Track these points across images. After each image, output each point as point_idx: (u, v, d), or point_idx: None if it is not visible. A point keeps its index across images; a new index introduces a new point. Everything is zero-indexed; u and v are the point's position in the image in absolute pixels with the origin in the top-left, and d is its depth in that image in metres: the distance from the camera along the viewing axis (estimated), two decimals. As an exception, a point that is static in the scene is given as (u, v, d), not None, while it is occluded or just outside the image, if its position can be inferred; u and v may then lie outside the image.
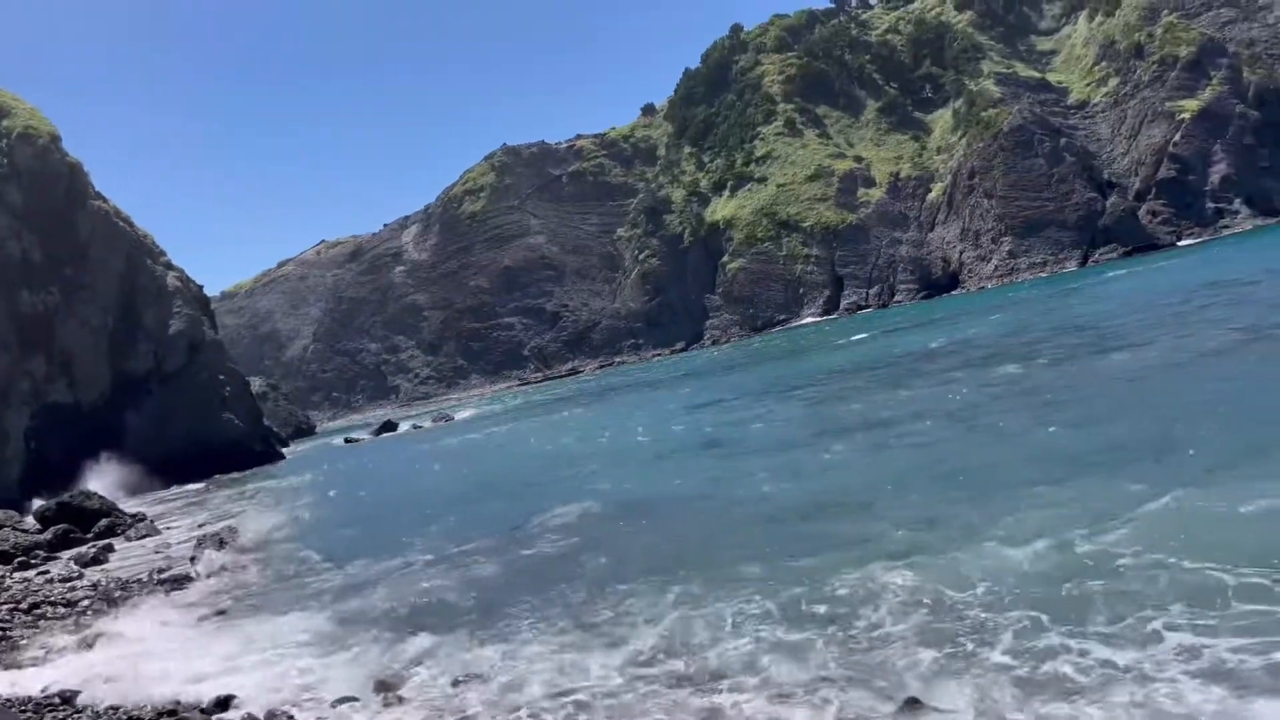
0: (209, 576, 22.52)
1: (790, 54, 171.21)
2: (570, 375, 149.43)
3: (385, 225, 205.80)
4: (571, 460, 35.78)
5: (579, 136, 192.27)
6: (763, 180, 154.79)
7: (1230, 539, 11.77)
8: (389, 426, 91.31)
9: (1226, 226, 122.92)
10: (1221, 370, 23.72)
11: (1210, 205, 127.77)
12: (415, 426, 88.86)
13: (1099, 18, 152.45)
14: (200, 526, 33.77)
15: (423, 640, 14.30)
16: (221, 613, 18.53)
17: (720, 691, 10.77)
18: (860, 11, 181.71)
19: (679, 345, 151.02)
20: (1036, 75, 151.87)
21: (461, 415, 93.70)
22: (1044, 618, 10.82)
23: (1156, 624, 10.13)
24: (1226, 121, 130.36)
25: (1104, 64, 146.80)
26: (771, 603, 13.13)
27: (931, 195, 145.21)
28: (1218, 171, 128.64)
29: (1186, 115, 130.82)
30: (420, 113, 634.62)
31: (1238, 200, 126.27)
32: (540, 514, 22.99)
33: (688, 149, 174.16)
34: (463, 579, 18.05)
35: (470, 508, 28.75)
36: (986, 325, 56.11)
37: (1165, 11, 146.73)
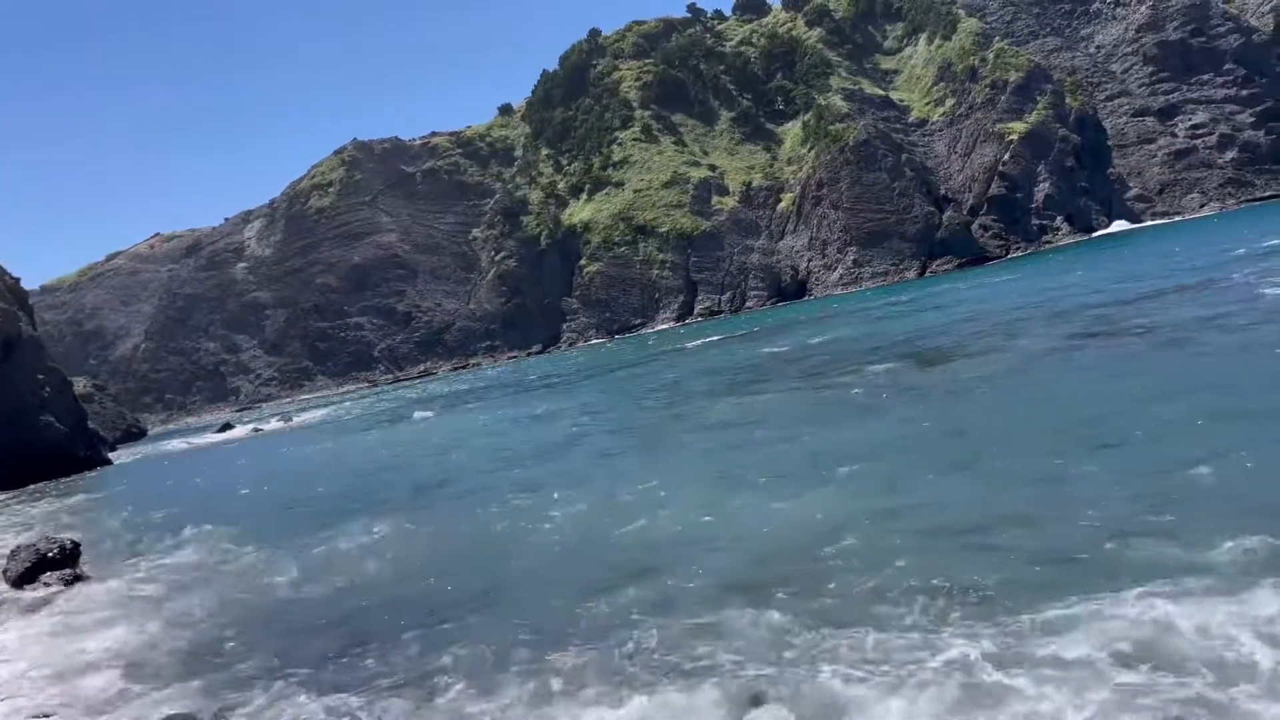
0: None
1: (647, 61, 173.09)
2: (423, 377, 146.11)
3: (226, 219, 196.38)
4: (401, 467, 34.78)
5: (434, 134, 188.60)
6: (620, 185, 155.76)
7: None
8: (227, 428, 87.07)
9: (1049, 242, 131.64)
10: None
11: (1035, 222, 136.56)
12: (256, 430, 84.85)
13: (937, 41, 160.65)
14: None
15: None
16: None
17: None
18: (715, 22, 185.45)
19: (536, 347, 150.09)
20: (881, 93, 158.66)
21: (302, 418, 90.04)
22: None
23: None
24: (1050, 144, 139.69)
25: (942, 85, 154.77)
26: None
27: (782, 205, 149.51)
28: (1042, 191, 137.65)
29: (1015, 137, 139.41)
30: (266, 103, 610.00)
31: (1059, 218, 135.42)
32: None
33: (545, 151, 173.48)
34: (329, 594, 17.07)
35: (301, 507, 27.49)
36: (828, 332, 57.92)
37: (997, 38, 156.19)
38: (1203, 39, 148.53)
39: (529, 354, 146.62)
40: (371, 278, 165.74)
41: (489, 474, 28.66)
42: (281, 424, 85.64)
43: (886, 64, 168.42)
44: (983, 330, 40.36)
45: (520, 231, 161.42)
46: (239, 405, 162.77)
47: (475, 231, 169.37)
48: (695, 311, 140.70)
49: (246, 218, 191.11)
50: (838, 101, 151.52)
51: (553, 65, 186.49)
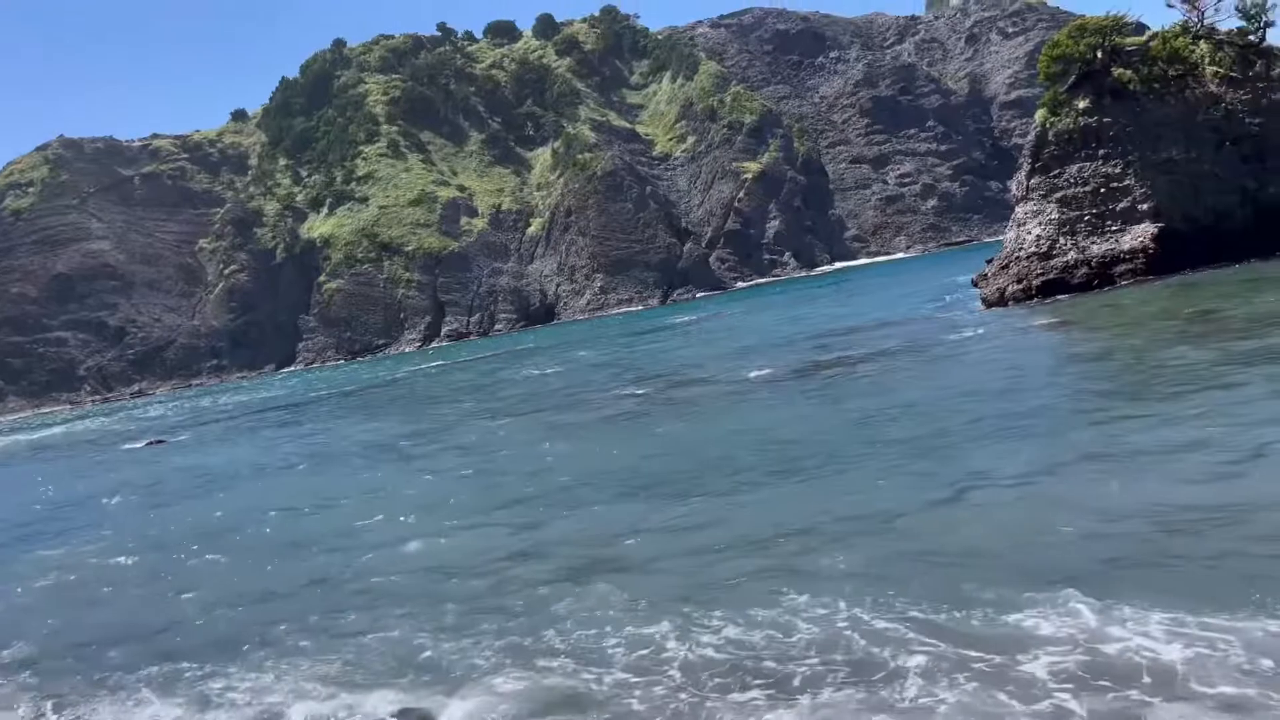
0: None
1: (395, 76, 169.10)
2: (137, 398, 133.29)
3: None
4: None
5: (156, 135, 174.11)
6: (364, 200, 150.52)
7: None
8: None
9: (779, 275, 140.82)
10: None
11: (767, 256, 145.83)
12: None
13: (680, 80, 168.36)
14: None
15: None
16: None
17: None
18: (466, 44, 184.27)
19: (268, 367, 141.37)
20: (627, 126, 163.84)
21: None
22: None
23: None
24: (780, 184, 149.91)
25: (684, 123, 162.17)
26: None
27: (531, 229, 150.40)
28: (773, 227, 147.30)
29: (749, 176, 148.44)
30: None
31: (788, 254, 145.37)
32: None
33: (283, 161, 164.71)
34: None
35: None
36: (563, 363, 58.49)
37: (734, 82, 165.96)
38: (910, 97, 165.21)
39: (260, 374, 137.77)
40: (78, 289, 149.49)
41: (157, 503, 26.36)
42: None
43: (633, 98, 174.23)
44: (718, 354, 42.28)
45: (254, 244, 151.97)
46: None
47: (202, 242, 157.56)
48: (442, 333, 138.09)
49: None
50: (586, 131, 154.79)
51: (293, 73, 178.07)
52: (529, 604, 12.40)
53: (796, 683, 9.00)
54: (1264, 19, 39.14)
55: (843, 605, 10.41)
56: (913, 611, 9.92)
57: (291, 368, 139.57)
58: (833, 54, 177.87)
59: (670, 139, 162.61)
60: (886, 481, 15.15)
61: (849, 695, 8.59)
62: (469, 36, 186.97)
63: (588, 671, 10.05)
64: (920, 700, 8.26)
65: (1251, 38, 39.41)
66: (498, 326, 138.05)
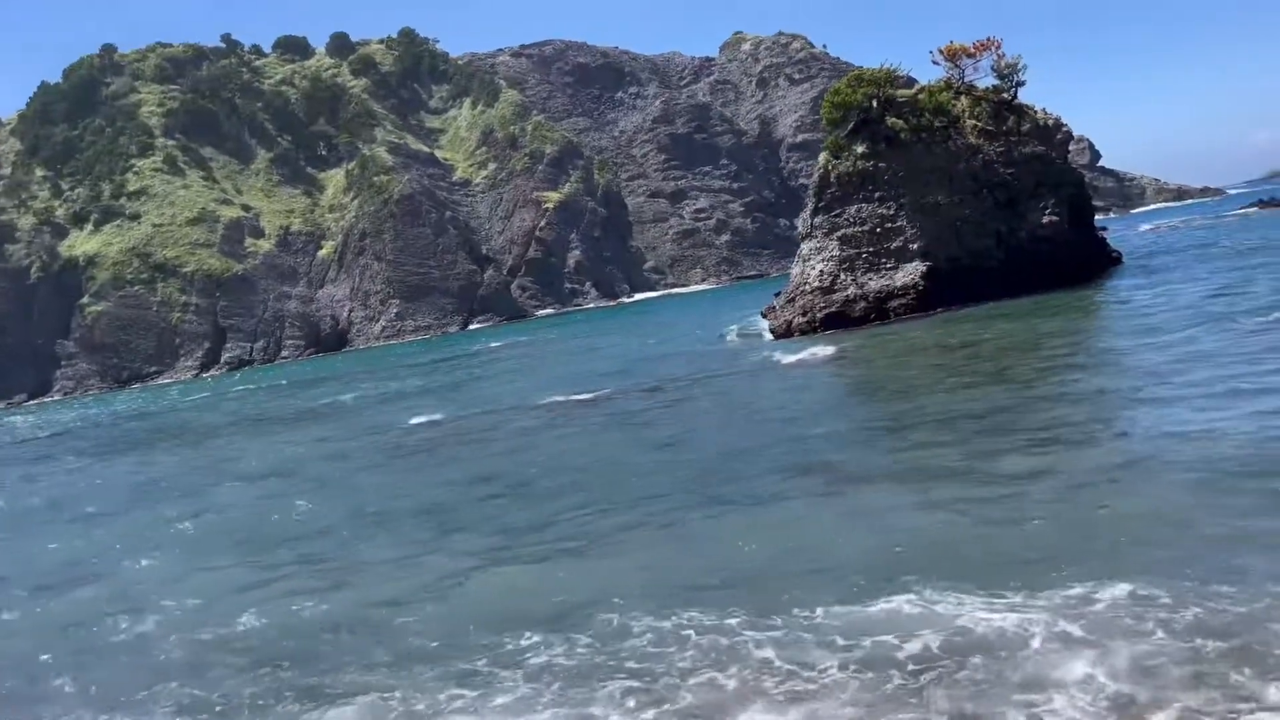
0: None
1: (173, 87, 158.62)
2: None
3: None
4: None
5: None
6: (136, 217, 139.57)
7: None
8: None
9: (579, 305, 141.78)
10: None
11: (568, 286, 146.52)
12: None
13: (480, 106, 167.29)
14: None
15: None
16: None
17: None
18: (253, 57, 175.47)
19: (19, 397, 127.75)
20: (426, 150, 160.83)
21: None
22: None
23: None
24: (581, 215, 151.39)
25: (485, 149, 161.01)
26: None
27: (323, 252, 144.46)
28: (573, 257, 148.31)
29: (550, 205, 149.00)
30: None
31: (588, 283, 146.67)
32: None
33: (41, 172, 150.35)
34: None
35: None
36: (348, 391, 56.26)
37: (535, 111, 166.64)
38: (705, 136, 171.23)
39: (9, 405, 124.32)
40: None
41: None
42: None
43: (432, 123, 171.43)
44: (516, 384, 41.71)
45: (5, 261, 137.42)
46: None
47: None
48: (223, 360, 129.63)
49: None
50: (382, 154, 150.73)
51: (55, 77, 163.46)
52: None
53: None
54: (1015, 78, 43.17)
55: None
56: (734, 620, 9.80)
57: (47, 397, 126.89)
58: (632, 90, 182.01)
59: (471, 165, 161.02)
60: (675, 498, 15.12)
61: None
62: (257, 50, 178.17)
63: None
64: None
65: (1005, 95, 43.31)
66: (284, 354, 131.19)
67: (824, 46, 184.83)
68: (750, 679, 8.98)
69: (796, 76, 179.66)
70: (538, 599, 12.11)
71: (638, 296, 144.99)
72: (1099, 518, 11.65)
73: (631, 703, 8.93)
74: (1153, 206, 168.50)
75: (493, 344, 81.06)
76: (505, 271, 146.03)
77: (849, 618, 9.86)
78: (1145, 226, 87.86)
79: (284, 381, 78.03)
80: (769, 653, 9.41)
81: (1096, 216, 50.34)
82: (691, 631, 10.20)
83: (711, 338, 47.20)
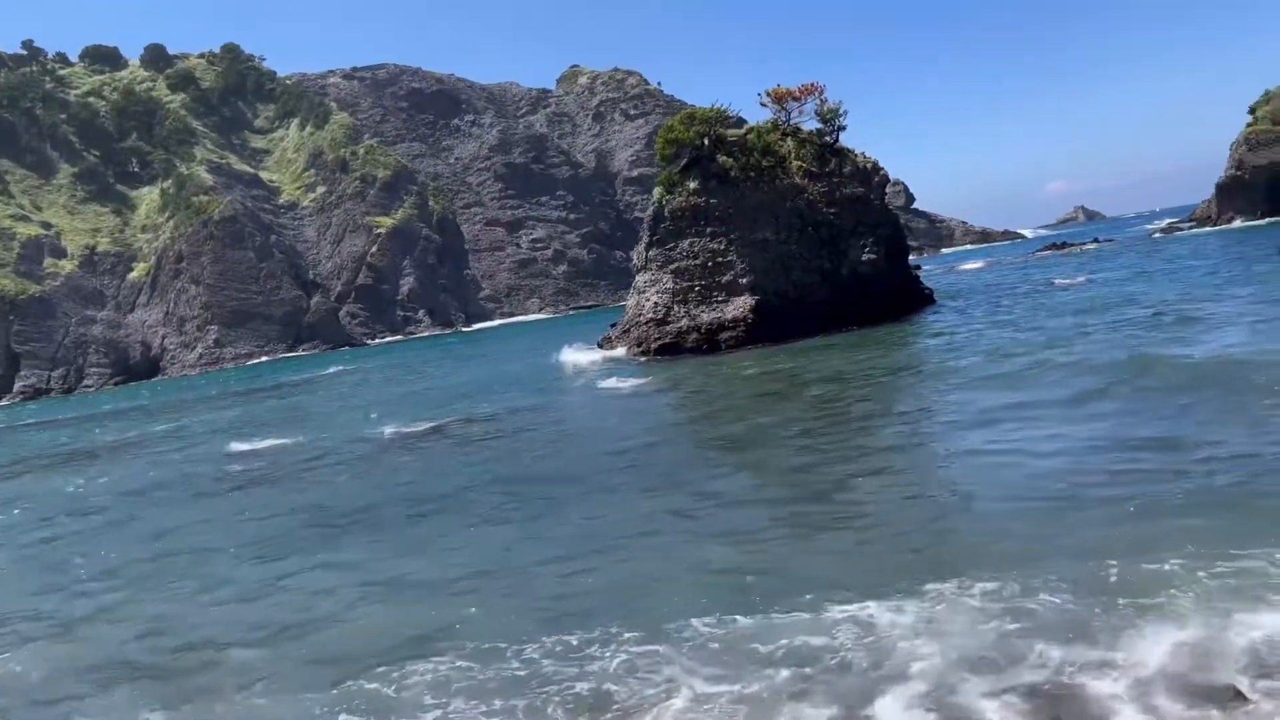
0: None
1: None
2: None
3: None
4: None
5: None
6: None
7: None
8: None
9: (412, 332, 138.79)
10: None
11: (400, 313, 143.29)
12: None
13: (309, 128, 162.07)
14: None
15: None
16: None
17: None
18: (58, 66, 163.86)
19: None
20: (250, 170, 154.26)
21: None
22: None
23: None
24: (415, 241, 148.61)
25: (313, 172, 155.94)
26: None
27: (133, 275, 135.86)
28: (406, 284, 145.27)
29: (382, 231, 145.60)
30: None
31: (422, 311, 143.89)
32: None
33: None
34: None
35: None
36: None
37: (367, 135, 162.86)
38: (542, 166, 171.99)
39: None
40: None
41: None
42: None
43: (257, 142, 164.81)
44: (344, 412, 40.30)
45: None
46: None
47: None
48: (15, 389, 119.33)
49: None
50: (202, 173, 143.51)
51: None
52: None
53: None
54: (837, 123, 45.56)
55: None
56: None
57: None
58: (468, 117, 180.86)
59: (298, 187, 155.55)
60: (511, 525, 14.98)
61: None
62: (62, 59, 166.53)
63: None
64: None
65: (828, 138, 45.62)
66: (87, 382, 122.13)
67: (659, 84, 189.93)
68: (607, 691, 9.00)
69: (632, 112, 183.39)
70: (380, 634, 11.72)
71: (474, 325, 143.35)
72: (925, 529, 12.47)
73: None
74: (960, 248, 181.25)
75: (325, 371, 78.19)
76: (334, 298, 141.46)
77: (715, 629, 10.08)
78: (971, 264, 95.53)
79: (85, 412, 72.50)
80: (625, 668, 9.45)
81: (910, 256, 53.66)
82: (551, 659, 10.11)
83: (549, 366, 47.16)
